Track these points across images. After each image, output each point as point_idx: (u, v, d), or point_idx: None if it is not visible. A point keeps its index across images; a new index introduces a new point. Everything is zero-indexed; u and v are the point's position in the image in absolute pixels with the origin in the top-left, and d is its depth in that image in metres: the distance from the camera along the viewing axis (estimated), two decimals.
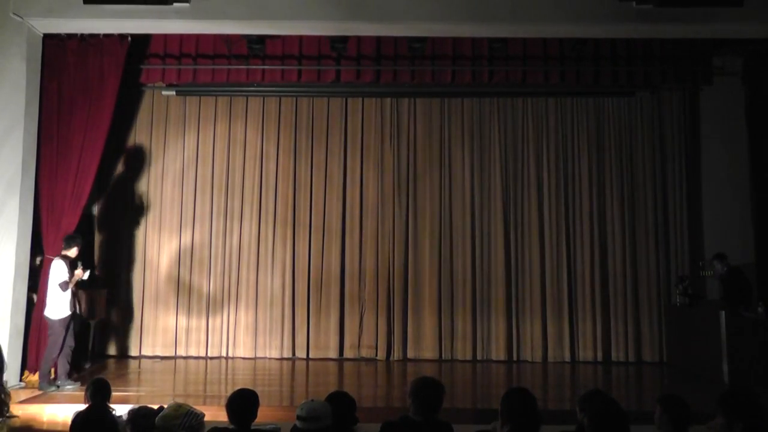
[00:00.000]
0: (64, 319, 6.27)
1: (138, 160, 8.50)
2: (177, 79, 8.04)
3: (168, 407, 3.82)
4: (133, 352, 8.18)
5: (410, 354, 8.20)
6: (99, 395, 3.89)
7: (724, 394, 2.97)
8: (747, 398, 2.90)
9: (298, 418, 3.12)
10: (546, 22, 6.54)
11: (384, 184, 8.48)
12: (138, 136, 8.52)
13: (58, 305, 6.26)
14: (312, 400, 3.19)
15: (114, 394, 4.13)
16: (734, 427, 2.80)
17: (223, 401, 3.38)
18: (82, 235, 6.81)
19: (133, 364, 7.79)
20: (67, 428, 3.36)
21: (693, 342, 7.27)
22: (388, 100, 8.60)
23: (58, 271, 6.28)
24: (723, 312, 6.61)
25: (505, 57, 7.95)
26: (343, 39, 7.52)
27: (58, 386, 6.16)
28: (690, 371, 7.25)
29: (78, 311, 6.63)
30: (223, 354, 8.24)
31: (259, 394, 3.39)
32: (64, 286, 6.23)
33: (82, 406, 3.97)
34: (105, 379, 4.15)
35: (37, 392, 6.03)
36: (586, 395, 3.34)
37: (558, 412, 5.15)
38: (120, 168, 8.45)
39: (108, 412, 3.75)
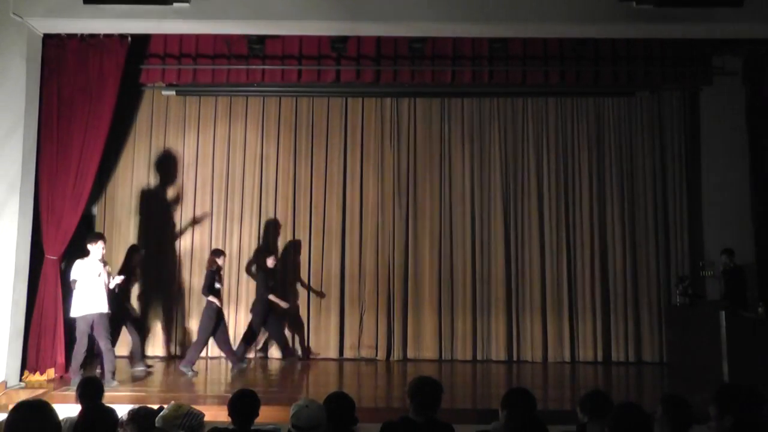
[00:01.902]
0: (85, 317, 6.27)
1: (138, 161, 8.49)
2: (177, 79, 8.02)
3: (168, 407, 3.82)
4: None
5: (410, 354, 8.20)
6: (87, 395, 3.82)
7: (721, 387, 2.97)
8: (742, 393, 2.89)
9: (295, 427, 3.01)
10: (546, 22, 6.53)
11: (384, 184, 8.48)
12: (138, 136, 8.51)
13: (75, 303, 6.33)
14: (307, 406, 3.07)
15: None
16: (725, 420, 2.79)
17: (224, 401, 3.38)
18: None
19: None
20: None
21: (693, 342, 7.27)
22: (388, 100, 8.60)
23: (72, 270, 6.37)
24: (723, 312, 6.62)
25: (505, 57, 7.94)
26: (343, 39, 7.51)
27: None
28: (690, 371, 7.24)
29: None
30: (223, 354, 8.22)
31: (259, 394, 3.38)
32: (72, 284, 6.33)
33: None
34: (96, 377, 4.09)
35: (38, 392, 6.03)
36: (587, 396, 3.34)
37: (558, 412, 5.15)
38: (120, 168, 8.45)
39: (107, 411, 3.73)
